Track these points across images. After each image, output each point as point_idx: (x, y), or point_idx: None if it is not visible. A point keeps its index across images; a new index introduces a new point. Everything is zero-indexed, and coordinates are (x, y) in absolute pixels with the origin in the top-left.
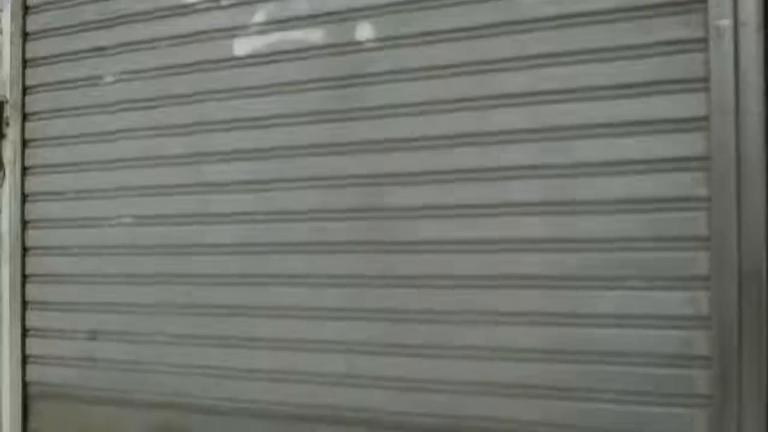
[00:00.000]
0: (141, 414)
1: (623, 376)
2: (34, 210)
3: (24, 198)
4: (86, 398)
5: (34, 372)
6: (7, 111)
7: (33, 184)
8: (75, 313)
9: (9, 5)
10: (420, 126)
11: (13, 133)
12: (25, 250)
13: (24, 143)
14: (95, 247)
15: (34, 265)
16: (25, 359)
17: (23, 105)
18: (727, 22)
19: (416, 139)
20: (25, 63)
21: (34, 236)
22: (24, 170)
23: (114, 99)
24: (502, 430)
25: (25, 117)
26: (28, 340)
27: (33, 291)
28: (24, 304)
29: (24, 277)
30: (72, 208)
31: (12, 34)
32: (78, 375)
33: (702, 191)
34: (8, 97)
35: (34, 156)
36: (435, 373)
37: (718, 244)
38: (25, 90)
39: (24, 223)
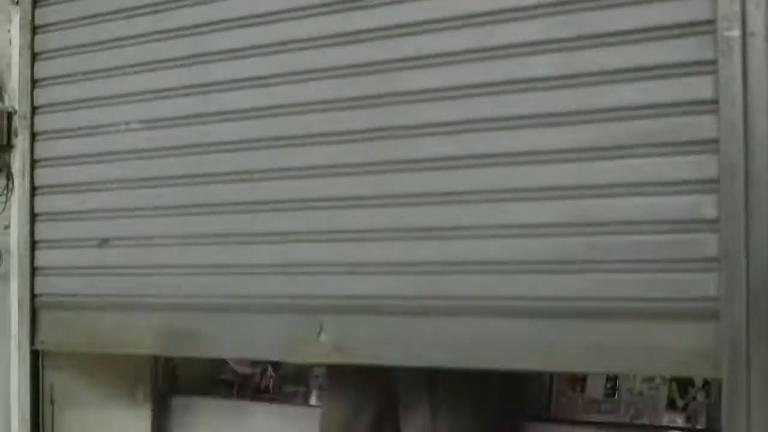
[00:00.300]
0: (148, 318)
1: (630, 244)
2: (43, 122)
3: (33, 111)
4: (94, 306)
5: (42, 283)
6: (16, 122)
7: (41, 96)
8: (84, 222)
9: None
10: (427, 10)
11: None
12: (33, 162)
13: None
14: (103, 154)
15: (42, 177)
16: (33, 271)
17: None
18: (736, 33)
19: (425, 23)
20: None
21: (42, 148)
22: (33, 82)
23: (116, 7)
24: (511, 307)
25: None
26: (36, 252)
27: (42, 202)
28: (33, 216)
29: (33, 189)
30: (78, 117)
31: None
32: (86, 283)
33: (708, 55)
34: (17, 108)
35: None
36: (444, 255)
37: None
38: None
39: (33, 136)
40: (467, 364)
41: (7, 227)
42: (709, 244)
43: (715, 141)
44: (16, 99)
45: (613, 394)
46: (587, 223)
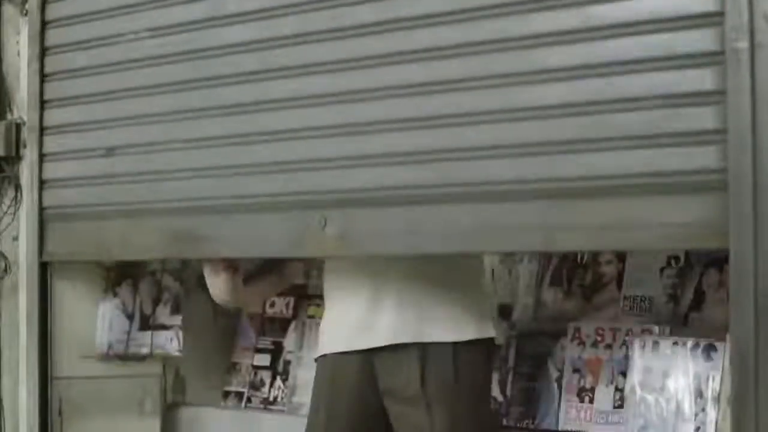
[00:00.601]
0: (155, 223)
1: (630, 121)
2: (53, 36)
3: (43, 25)
4: (101, 215)
5: (50, 196)
6: (24, 133)
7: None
8: (92, 132)
9: None
10: None
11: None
12: (43, 76)
13: None
14: (111, 64)
15: (51, 91)
16: (42, 184)
17: None
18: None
19: None
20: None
21: (51, 62)
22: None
23: None
24: (513, 191)
25: None
26: (44, 165)
27: (51, 116)
28: (42, 129)
29: (42, 102)
30: (88, 29)
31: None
32: (94, 193)
33: None
34: (25, 119)
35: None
36: (443, 142)
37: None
38: None
39: (42, 51)
40: (471, 248)
41: (16, 238)
42: (711, 116)
43: (719, 14)
44: (24, 110)
45: (622, 405)
46: (586, 102)
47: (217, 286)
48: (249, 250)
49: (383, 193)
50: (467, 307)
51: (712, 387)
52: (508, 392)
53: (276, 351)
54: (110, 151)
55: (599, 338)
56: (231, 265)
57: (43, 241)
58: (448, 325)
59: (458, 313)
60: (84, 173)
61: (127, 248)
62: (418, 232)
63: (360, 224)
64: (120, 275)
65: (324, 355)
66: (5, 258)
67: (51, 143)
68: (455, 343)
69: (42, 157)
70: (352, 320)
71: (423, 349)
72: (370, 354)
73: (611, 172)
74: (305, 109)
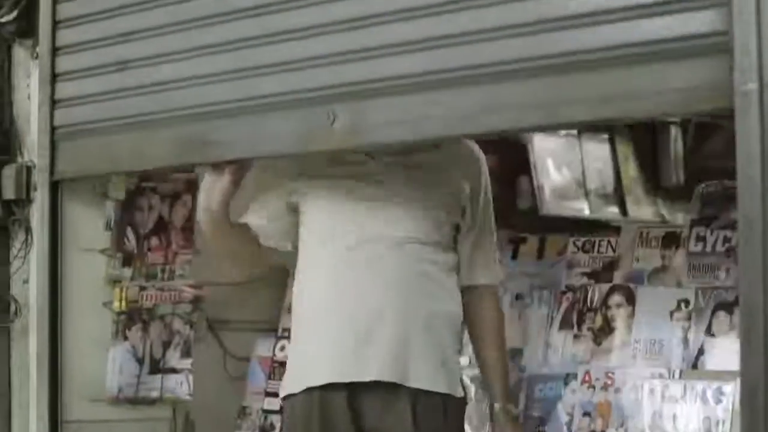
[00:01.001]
0: (166, 132)
1: None
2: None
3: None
4: (113, 130)
5: (62, 115)
6: (35, 176)
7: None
8: (104, 48)
9: None
10: None
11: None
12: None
13: None
14: None
15: (63, 11)
16: (54, 104)
17: None
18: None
19: None
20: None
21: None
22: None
23: None
24: (516, 69)
25: None
26: (57, 85)
27: (63, 36)
28: (54, 50)
29: (54, 23)
30: None
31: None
32: (105, 108)
33: None
34: (35, 161)
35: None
36: (445, 28)
37: None
38: None
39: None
40: (476, 129)
41: (26, 281)
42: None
43: None
44: (35, 152)
45: None
46: None
47: (215, 190)
48: (258, 149)
49: (389, 83)
50: (455, 363)
51: (722, 430)
52: None
53: None
54: (123, 65)
55: (609, 381)
56: (238, 168)
57: (54, 161)
58: (439, 376)
59: (447, 367)
60: (95, 89)
61: (139, 159)
62: (424, 118)
63: (367, 116)
64: (130, 319)
65: (309, 389)
66: (16, 301)
67: (64, 62)
68: (444, 394)
69: (55, 77)
70: (342, 350)
71: (414, 391)
72: (357, 389)
73: (609, 43)
74: (308, 8)
